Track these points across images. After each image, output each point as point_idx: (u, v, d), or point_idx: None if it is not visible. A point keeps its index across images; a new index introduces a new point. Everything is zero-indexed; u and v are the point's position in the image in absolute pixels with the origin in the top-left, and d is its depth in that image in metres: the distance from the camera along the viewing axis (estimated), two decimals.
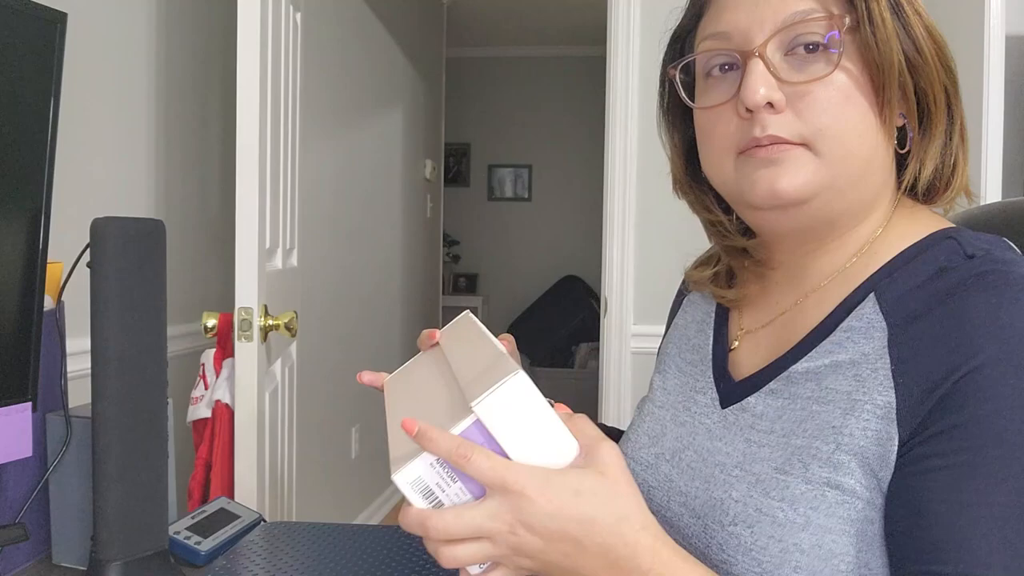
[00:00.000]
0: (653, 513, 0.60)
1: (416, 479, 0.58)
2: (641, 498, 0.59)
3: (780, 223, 0.72)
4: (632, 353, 2.47)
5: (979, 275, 0.63)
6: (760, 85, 0.66)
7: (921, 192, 0.73)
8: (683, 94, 0.75)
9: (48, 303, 1.08)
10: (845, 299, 0.70)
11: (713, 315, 0.84)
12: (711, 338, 0.82)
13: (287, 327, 1.75)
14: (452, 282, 5.73)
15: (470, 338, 0.73)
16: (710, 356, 0.81)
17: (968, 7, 2.02)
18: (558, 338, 5.55)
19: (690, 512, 0.72)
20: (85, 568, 1.03)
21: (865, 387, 0.64)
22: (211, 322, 1.74)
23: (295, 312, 1.81)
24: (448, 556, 0.58)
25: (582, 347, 5.45)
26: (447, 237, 5.29)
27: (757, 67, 0.67)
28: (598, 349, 2.61)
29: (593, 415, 2.92)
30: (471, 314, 0.81)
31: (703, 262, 0.87)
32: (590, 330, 5.13)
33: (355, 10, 3.08)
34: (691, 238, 0.97)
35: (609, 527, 0.57)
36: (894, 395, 0.62)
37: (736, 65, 0.70)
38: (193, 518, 1.19)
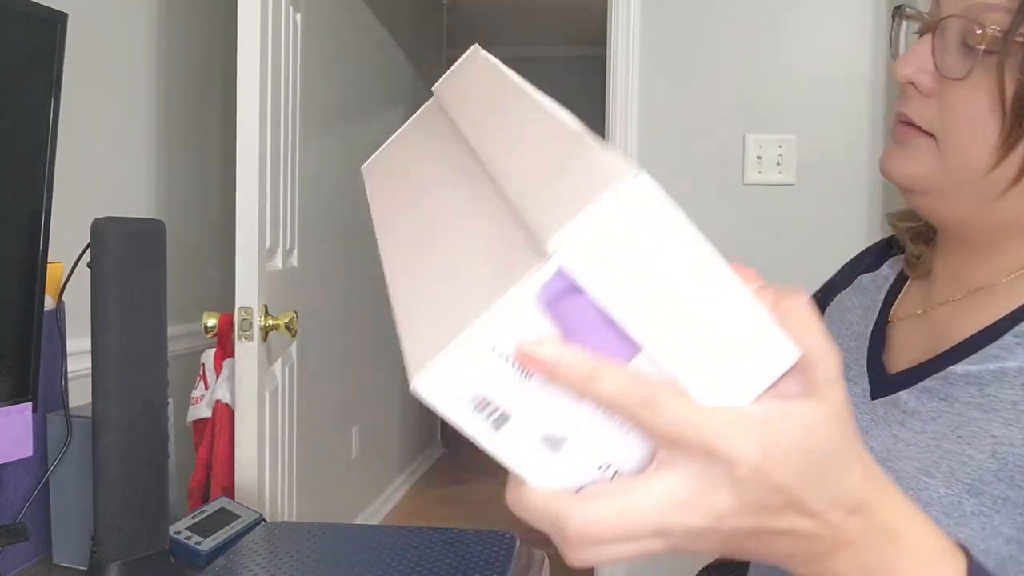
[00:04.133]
0: None
1: (455, 387, 0.31)
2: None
3: (915, 207, 0.67)
4: None
5: None
6: (910, 63, 0.62)
7: None
8: (892, 48, 0.69)
9: (48, 303, 1.08)
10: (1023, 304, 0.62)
11: (880, 302, 0.77)
12: (871, 326, 0.75)
13: (287, 327, 1.75)
14: None
15: (501, 99, 0.41)
16: (867, 344, 0.74)
17: None
18: None
19: None
20: (86, 568, 1.03)
21: None
22: (211, 322, 1.74)
23: (295, 312, 1.82)
24: (587, 558, 0.36)
25: None
26: None
27: (922, 43, 0.61)
28: None
29: None
30: (486, 54, 0.48)
31: (910, 215, 0.77)
32: None
33: (355, 10, 3.08)
34: None
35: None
36: None
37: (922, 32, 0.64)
38: (193, 518, 1.19)
